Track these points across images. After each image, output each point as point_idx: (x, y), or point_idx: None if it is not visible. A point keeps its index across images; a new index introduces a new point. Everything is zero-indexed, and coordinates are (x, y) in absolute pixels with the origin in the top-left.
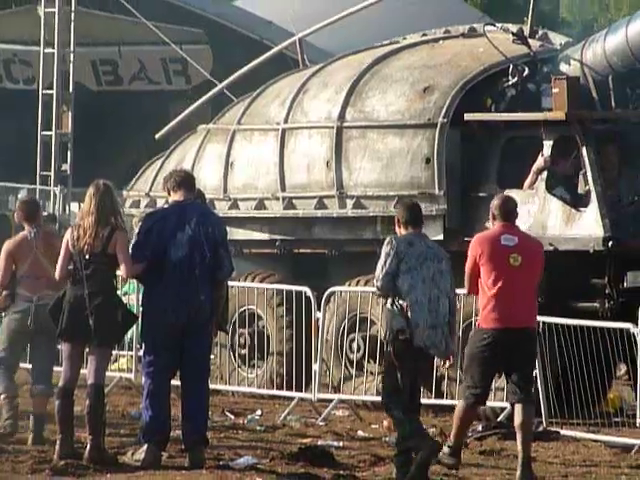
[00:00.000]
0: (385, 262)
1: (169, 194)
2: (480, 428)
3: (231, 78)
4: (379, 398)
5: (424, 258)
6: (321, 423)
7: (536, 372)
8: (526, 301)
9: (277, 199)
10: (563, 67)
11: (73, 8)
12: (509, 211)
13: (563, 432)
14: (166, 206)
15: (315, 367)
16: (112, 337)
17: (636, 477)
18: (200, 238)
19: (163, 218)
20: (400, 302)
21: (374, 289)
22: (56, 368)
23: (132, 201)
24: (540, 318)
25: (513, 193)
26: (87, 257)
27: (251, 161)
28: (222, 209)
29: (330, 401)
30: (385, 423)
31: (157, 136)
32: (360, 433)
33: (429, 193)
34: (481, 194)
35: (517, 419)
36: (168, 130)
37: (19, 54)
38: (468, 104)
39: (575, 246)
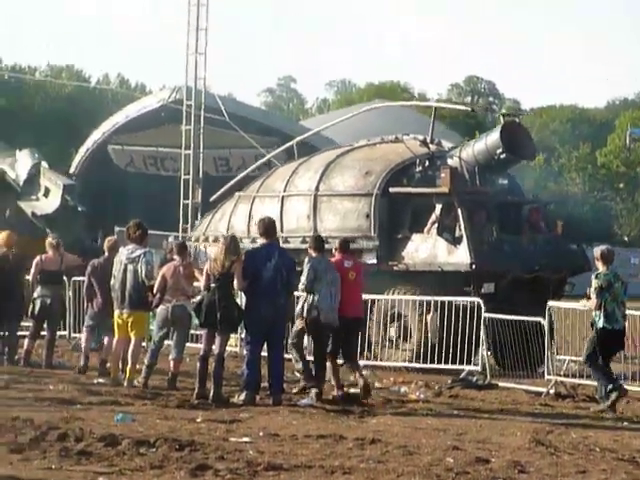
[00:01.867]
0: (308, 274)
1: (260, 236)
2: (449, 382)
3: (264, 159)
4: (387, 363)
5: (326, 270)
6: (352, 378)
7: (484, 349)
8: (357, 300)
9: (279, 238)
10: (449, 161)
11: (202, 127)
12: (346, 245)
13: (500, 384)
14: (258, 245)
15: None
16: (231, 327)
17: (544, 410)
18: (280, 266)
19: (258, 253)
20: (313, 297)
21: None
22: (195, 345)
23: (195, 237)
24: (485, 314)
25: (418, 236)
26: (217, 278)
27: (263, 215)
28: (247, 244)
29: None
30: (392, 379)
31: (211, 199)
32: (376, 384)
33: (368, 235)
34: (399, 236)
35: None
36: (219, 195)
37: (170, 154)
38: (392, 182)
39: (453, 268)
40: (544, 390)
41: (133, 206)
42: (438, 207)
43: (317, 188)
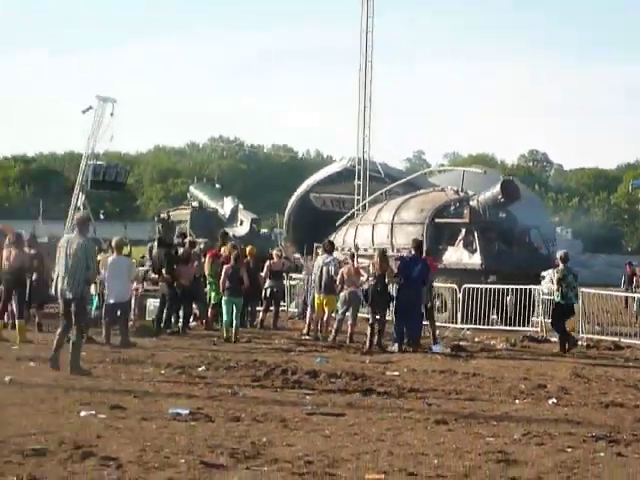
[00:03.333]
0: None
1: (412, 250)
2: (521, 337)
3: (375, 194)
4: (480, 326)
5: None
6: (460, 336)
7: (542, 317)
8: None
9: (372, 249)
10: (471, 202)
11: (367, 182)
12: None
13: (552, 339)
14: (407, 255)
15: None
16: (386, 306)
17: (580, 355)
18: (423, 269)
19: (410, 260)
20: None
21: None
22: (363, 315)
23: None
24: (543, 296)
25: (451, 248)
26: (377, 275)
27: (363, 236)
28: (349, 253)
29: (463, 328)
30: (484, 336)
31: (337, 224)
32: (475, 339)
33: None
34: (440, 247)
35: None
36: (341, 222)
37: (348, 199)
38: (437, 215)
39: (471, 267)
40: (580, 343)
41: (325, 231)
42: (463, 230)
43: (393, 219)
